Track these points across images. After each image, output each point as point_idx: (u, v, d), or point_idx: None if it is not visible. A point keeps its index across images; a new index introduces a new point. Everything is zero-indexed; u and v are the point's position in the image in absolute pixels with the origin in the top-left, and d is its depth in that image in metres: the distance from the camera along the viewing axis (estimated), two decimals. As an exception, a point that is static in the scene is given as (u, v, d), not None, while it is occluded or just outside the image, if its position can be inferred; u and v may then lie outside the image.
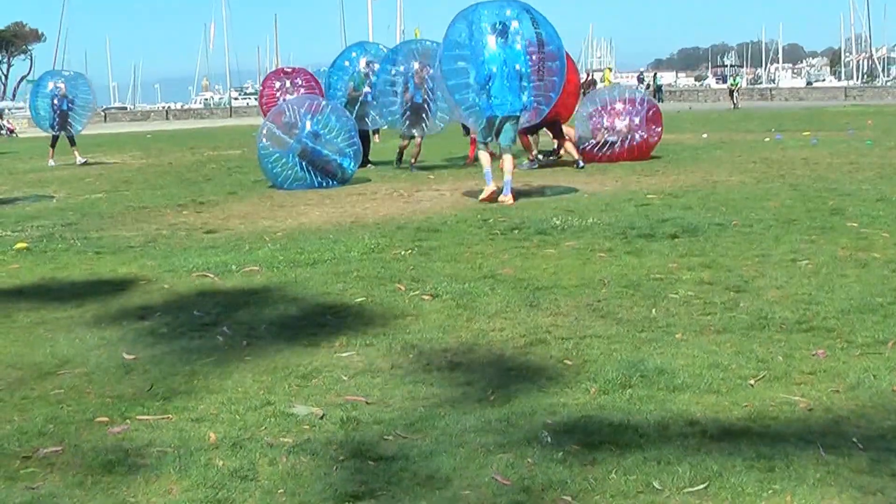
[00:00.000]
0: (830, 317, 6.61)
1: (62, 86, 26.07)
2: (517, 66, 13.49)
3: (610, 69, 75.76)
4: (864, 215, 11.01)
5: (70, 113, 25.94)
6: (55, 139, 26.02)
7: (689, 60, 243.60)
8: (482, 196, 13.62)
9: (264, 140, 16.69)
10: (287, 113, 16.87)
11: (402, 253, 9.54)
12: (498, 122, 13.66)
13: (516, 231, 10.73)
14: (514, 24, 13.58)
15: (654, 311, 6.91)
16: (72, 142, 25.90)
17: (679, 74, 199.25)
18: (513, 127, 13.88)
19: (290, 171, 16.28)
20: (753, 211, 11.56)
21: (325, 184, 16.39)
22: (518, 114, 13.74)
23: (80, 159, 25.23)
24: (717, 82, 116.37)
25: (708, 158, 19.73)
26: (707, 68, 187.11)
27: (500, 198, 13.49)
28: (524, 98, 13.66)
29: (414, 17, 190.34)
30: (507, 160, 13.88)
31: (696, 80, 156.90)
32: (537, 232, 10.57)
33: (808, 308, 6.85)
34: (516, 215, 11.88)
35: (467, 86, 13.72)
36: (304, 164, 16.27)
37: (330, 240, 10.50)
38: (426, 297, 7.53)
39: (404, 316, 7.01)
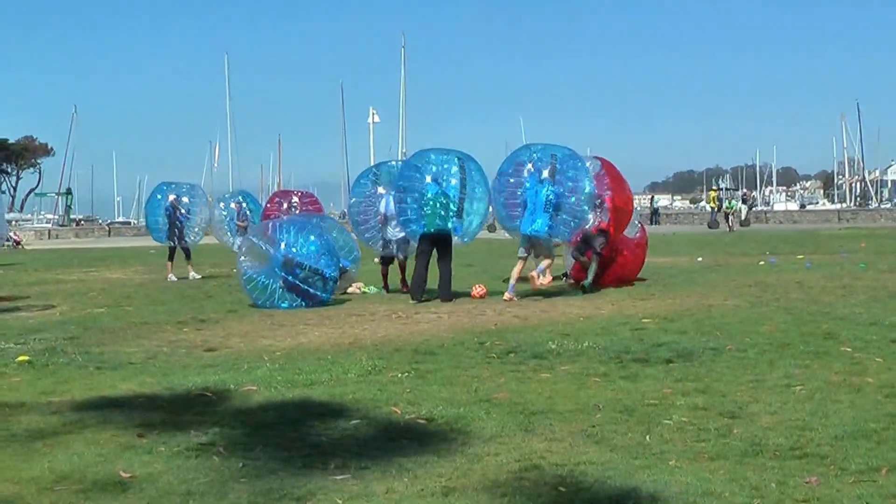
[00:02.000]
0: (824, 443, 6.65)
1: (184, 199, 25.80)
2: (547, 198, 17.13)
3: (715, 189, 76.44)
4: (858, 339, 11.11)
5: (186, 224, 25.54)
6: (172, 252, 25.50)
7: (684, 183, 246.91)
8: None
9: (248, 271, 16.89)
10: (255, 245, 17.15)
11: (399, 375, 9.58)
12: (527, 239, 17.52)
13: (512, 355, 10.77)
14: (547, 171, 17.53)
15: (648, 437, 6.94)
16: (187, 255, 25.51)
17: (674, 197, 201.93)
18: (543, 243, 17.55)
19: (280, 296, 16.49)
20: (748, 335, 11.65)
21: (318, 294, 16.60)
22: (538, 234, 17.31)
23: (193, 275, 24.92)
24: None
25: (703, 282, 19.87)
26: (702, 191, 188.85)
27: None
28: (541, 223, 17.20)
29: (415, 138, 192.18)
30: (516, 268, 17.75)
31: (690, 202, 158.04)
32: (533, 356, 10.62)
33: (802, 434, 6.89)
34: (512, 339, 11.94)
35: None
36: (289, 279, 16.42)
37: (328, 360, 10.56)
38: (422, 421, 7.56)
39: (399, 439, 7.04)
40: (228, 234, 29.95)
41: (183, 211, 25.55)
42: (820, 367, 9.46)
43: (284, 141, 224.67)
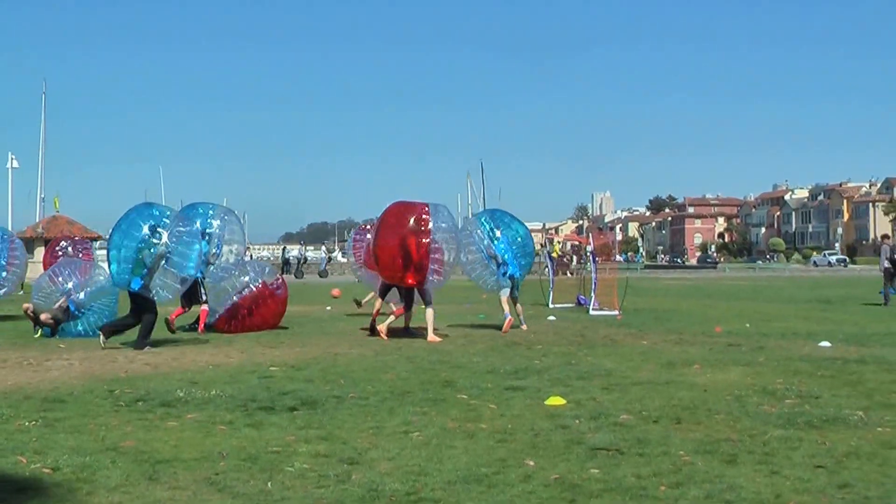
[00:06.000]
0: (438, 488, 6.97)
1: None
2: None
3: (559, 241, 79.75)
4: (474, 387, 11.68)
5: None
6: None
7: (318, 234, 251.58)
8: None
9: None
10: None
11: (27, 424, 9.39)
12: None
13: (141, 403, 10.71)
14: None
15: (269, 484, 7.09)
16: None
17: (308, 247, 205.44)
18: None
19: None
20: (370, 383, 12.04)
21: None
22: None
23: None
24: (342, 256, 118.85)
25: (332, 331, 20.31)
26: (335, 241, 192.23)
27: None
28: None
29: (54, 185, 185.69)
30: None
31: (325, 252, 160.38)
32: (161, 404, 10.60)
33: (418, 479, 7.21)
34: (142, 386, 11.87)
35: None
36: None
37: (-51, 410, 10.17)
38: (47, 470, 7.46)
39: (24, 490, 6.93)
40: None
41: None
42: (437, 414, 9.90)
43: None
